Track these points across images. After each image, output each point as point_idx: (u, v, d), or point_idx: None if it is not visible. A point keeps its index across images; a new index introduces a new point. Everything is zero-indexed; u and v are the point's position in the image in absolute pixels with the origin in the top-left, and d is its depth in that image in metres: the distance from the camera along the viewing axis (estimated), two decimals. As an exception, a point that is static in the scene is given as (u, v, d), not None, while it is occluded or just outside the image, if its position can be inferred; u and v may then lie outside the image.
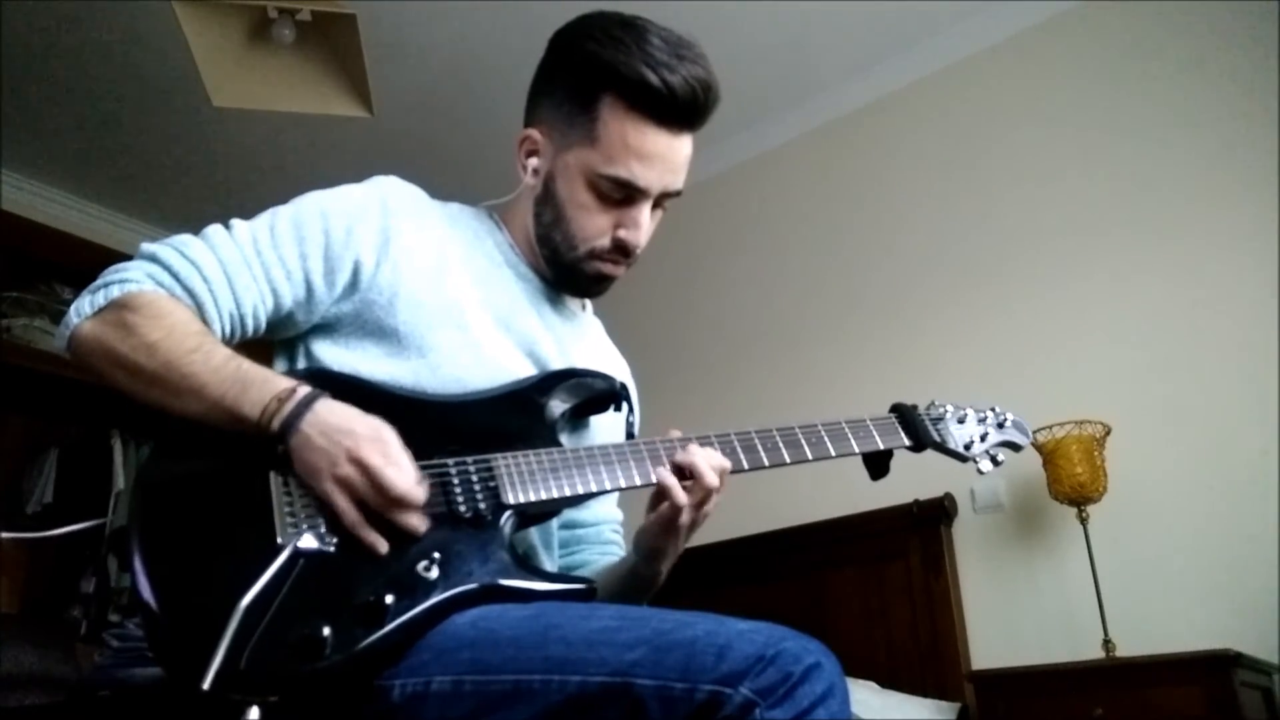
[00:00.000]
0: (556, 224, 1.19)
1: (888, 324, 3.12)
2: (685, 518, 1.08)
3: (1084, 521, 2.42)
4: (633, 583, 1.18)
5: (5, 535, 3.07)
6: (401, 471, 0.94)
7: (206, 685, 0.80)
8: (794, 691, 0.79)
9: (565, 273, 1.22)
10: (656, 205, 1.20)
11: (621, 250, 1.19)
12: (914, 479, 2.75)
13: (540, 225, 1.21)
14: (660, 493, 1.09)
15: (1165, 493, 2.48)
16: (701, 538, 3.43)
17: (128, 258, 1.09)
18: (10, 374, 3.23)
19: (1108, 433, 2.47)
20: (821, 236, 3.39)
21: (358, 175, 1.22)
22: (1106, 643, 2.30)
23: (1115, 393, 2.59)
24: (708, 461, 1.08)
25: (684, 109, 1.13)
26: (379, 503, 0.93)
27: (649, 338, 3.64)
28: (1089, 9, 2.96)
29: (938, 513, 2.78)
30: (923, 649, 2.70)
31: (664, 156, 1.15)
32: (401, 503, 0.93)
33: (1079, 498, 2.42)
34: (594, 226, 1.17)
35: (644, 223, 1.18)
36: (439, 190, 1.26)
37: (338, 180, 1.19)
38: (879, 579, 2.84)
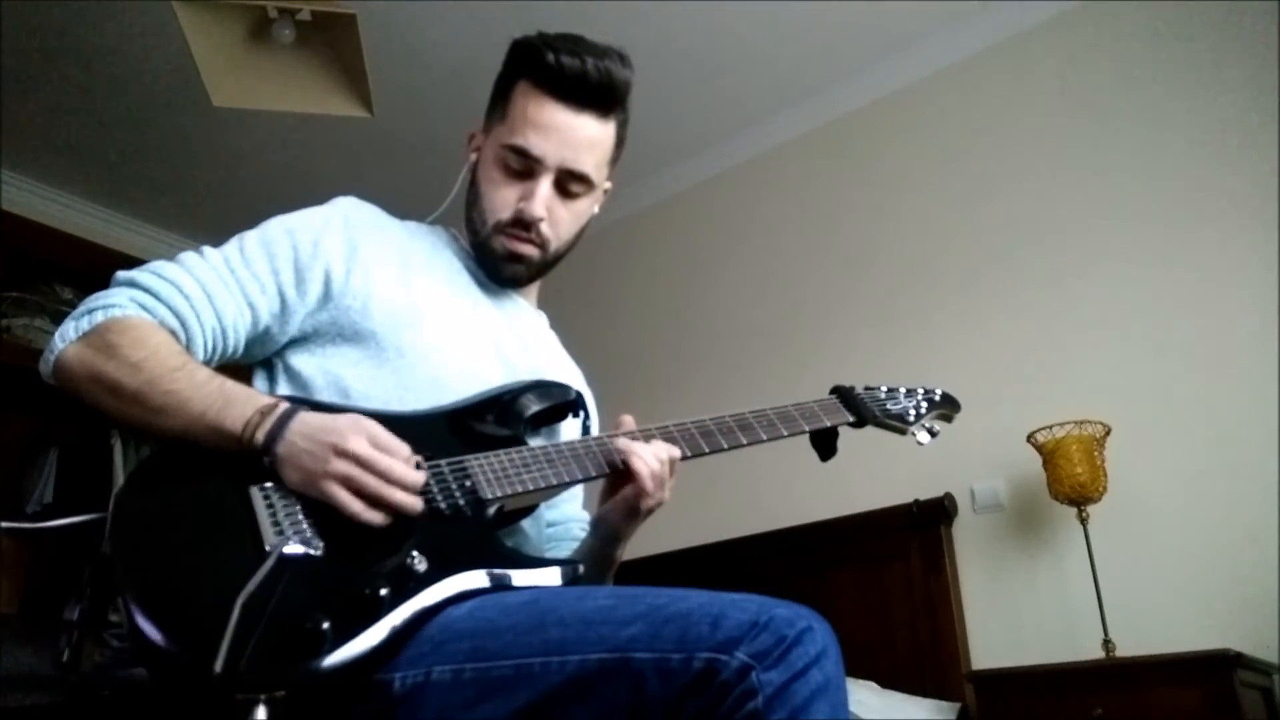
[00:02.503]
0: (474, 203, 1.28)
1: (886, 324, 3.12)
2: (651, 501, 1.13)
3: (1084, 521, 2.42)
4: (594, 564, 1.23)
5: (4, 524, 3.08)
6: (391, 454, 0.98)
7: (219, 667, 0.81)
8: (788, 654, 0.80)
9: (481, 252, 1.29)
10: (566, 192, 1.26)
11: (521, 223, 1.25)
12: (914, 479, 2.76)
13: (467, 209, 1.30)
14: (621, 479, 1.14)
15: (1165, 493, 2.48)
16: (702, 538, 3.42)
17: (127, 258, 1.11)
18: (10, 374, 3.23)
19: (1108, 433, 2.47)
20: (819, 237, 3.39)
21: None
22: (1106, 643, 2.30)
23: (1115, 393, 2.59)
24: (648, 451, 1.13)
25: (573, 83, 1.21)
26: (376, 486, 0.96)
27: (644, 338, 3.65)
28: (1089, 9, 2.96)
29: (938, 513, 2.78)
30: (923, 649, 2.70)
31: (559, 129, 1.22)
32: (401, 482, 0.97)
33: (1079, 498, 2.42)
34: (499, 199, 1.25)
35: (539, 194, 1.23)
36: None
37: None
38: (879, 579, 2.84)
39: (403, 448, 0.99)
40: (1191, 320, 2.56)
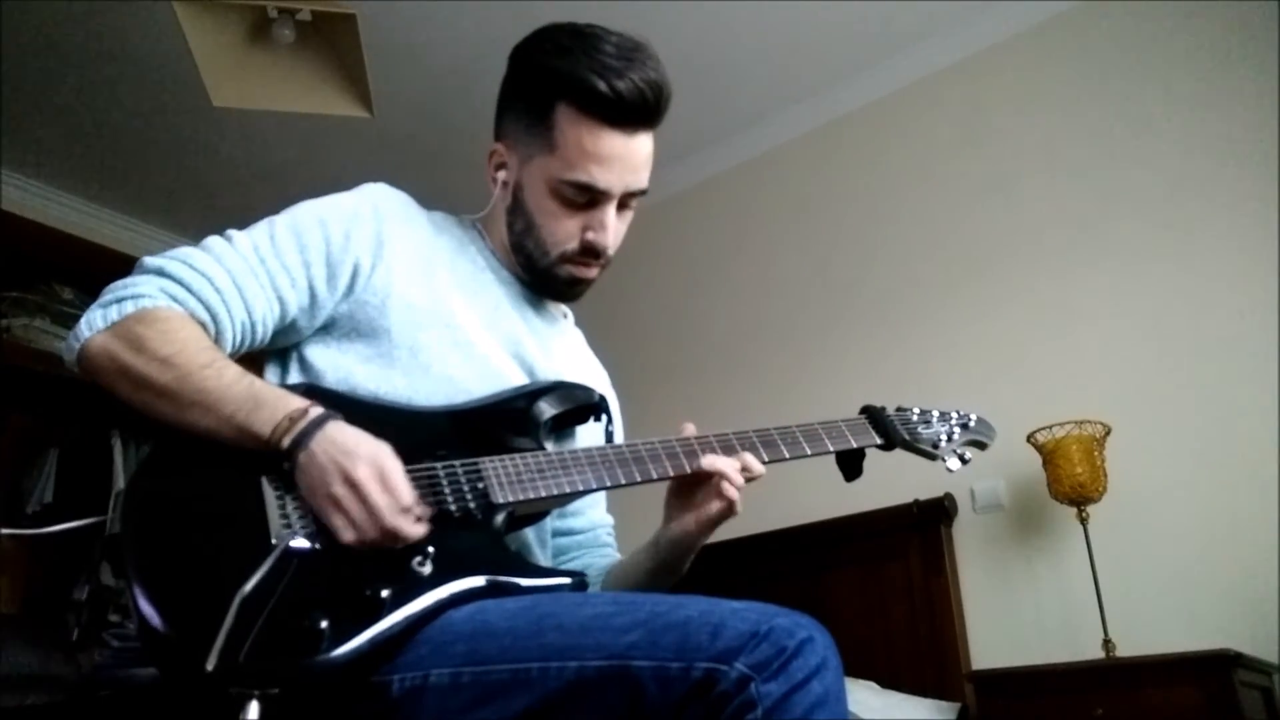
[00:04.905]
0: (528, 232, 1.23)
1: (886, 324, 3.12)
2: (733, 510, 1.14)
3: (1084, 521, 2.42)
4: (663, 574, 1.21)
5: (4, 531, 3.08)
6: (393, 499, 0.95)
7: (211, 666, 0.81)
8: (788, 665, 0.80)
9: (541, 278, 1.26)
10: (623, 206, 1.23)
11: (591, 252, 1.22)
12: (914, 479, 2.75)
13: (513, 234, 1.25)
14: (708, 494, 1.14)
15: (1165, 493, 2.48)
16: (701, 538, 3.33)
17: (127, 258, 1.09)
18: (10, 374, 3.23)
19: (1108, 433, 2.47)
20: (818, 237, 3.39)
21: (358, 176, 1.23)
22: (1106, 643, 2.30)
23: (1115, 393, 2.59)
24: (733, 466, 1.13)
25: (635, 110, 1.17)
26: (363, 522, 0.94)
27: (644, 339, 3.65)
28: (1088, 9, 2.96)
29: (938, 513, 2.78)
30: (923, 649, 2.70)
31: (621, 158, 1.18)
32: (390, 535, 0.94)
33: (1079, 498, 2.42)
34: (563, 231, 1.21)
35: (610, 224, 1.21)
36: (439, 190, 1.27)
37: (337, 180, 1.21)
38: (879, 579, 2.84)
39: (407, 495, 0.96)
40: (1191, 320, 2.56)
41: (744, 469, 1.14)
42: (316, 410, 0.99)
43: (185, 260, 1.08)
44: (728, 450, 1.16)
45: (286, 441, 0.97)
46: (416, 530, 0.96)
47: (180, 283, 1.06)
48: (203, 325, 1.06)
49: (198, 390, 0.99)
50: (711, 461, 1.13)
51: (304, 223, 1.15)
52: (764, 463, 1.18)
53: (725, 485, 1.12)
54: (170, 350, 1.00)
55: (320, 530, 0.95)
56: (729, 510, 1.13)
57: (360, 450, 0.96)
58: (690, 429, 1.17)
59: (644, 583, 1.21)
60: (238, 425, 0.98)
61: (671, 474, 1.13)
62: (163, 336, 1.01)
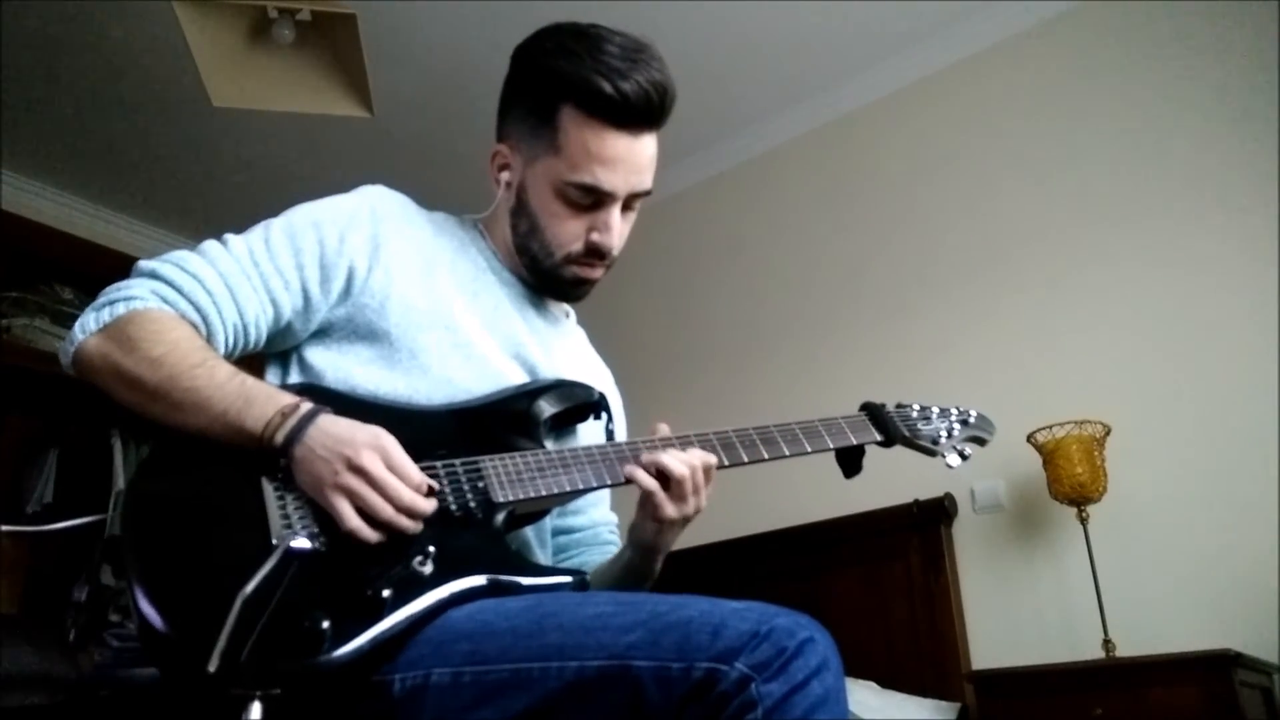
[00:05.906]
0: (532, 233, 1.23)
1: (886, 324, 3.12)
2: (669, 512, 1.09)
3: (1084, 521, 2.42)
4: (630, 576, 1.20)
5: (4, 528, 3.08)
6: (403, 479, 0.96)
7: (213, 667, 0.81)
8: (788, 665, 0.80)
9: (545, 279, 1.26)
10: (627, 206, 1.23)
11: (596, 253, 1.22)
12: (914, 479, 2.76)
13: (517, 235, 1.25)
14: (643, 492, 1.11)
15: (1165, 493, 2.48)
16: (702, 538, 3.42)
17: (127, 258, 1.10)
18: (10, 374, 3.23)
19: (1108, 433, 2.47)
20: (818, 237, 3.39)
21: (357, 176, 1.23)
22: (1106, 643, 2.31)
23: (1115, 393, 2.59)
24: (675, 456, 1.10)
25: (639, 112, 1.16)
26: (383, 509, 0.94)
27: (646, 338, 3.65)
28: (1088, 9, 2.96)
29: (938, 513, 2.78)
30: (923, 649, 2.70)
31: (626, 159, 1.18)
32: (408, 510, 0.95)
33: (1079, 498, 2.42)
34: (567, 233, 1.21)
35: (615, 225, 1.21)
36: (439, 190, 1.27)
37: (336, 180, 1.21)
38: (879, 579, 2.84)
39: (415, 473, 0.97)
40: (1191, 320, 2.56)
41: (704, 466, 1.11)
42: (307, 405, 0.99)
43: (178, 263, 1.09)
44: (727, 448, 1.16)
45: (280, 438, 0.97)
46: (429, 505, 0.97)
47: (171, 284, 1.07)
48: (194, 326, 1.06)
49: (188, 389, 0.99)
50: (652, 458, 1.09)
51: (299, 225, 1.15)
52: (763, 460, 1.17)
53: (652, 487, 1.09)
54: (161, 351, 1.01)
55: (321, 530, 0.95)
56: (655, 508, 1.09)
57: (358, 436, 0.96)
58: (664, 429, 1.16)
59: (616, 585, 1.21)
60: (229, 423, 0.98)
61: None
62: (154, 337, 1.02)
